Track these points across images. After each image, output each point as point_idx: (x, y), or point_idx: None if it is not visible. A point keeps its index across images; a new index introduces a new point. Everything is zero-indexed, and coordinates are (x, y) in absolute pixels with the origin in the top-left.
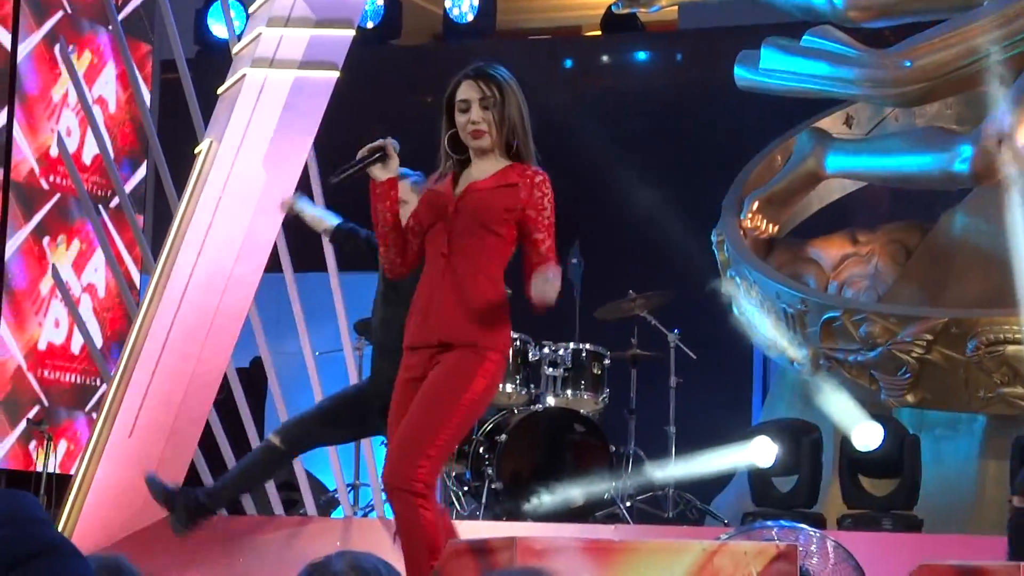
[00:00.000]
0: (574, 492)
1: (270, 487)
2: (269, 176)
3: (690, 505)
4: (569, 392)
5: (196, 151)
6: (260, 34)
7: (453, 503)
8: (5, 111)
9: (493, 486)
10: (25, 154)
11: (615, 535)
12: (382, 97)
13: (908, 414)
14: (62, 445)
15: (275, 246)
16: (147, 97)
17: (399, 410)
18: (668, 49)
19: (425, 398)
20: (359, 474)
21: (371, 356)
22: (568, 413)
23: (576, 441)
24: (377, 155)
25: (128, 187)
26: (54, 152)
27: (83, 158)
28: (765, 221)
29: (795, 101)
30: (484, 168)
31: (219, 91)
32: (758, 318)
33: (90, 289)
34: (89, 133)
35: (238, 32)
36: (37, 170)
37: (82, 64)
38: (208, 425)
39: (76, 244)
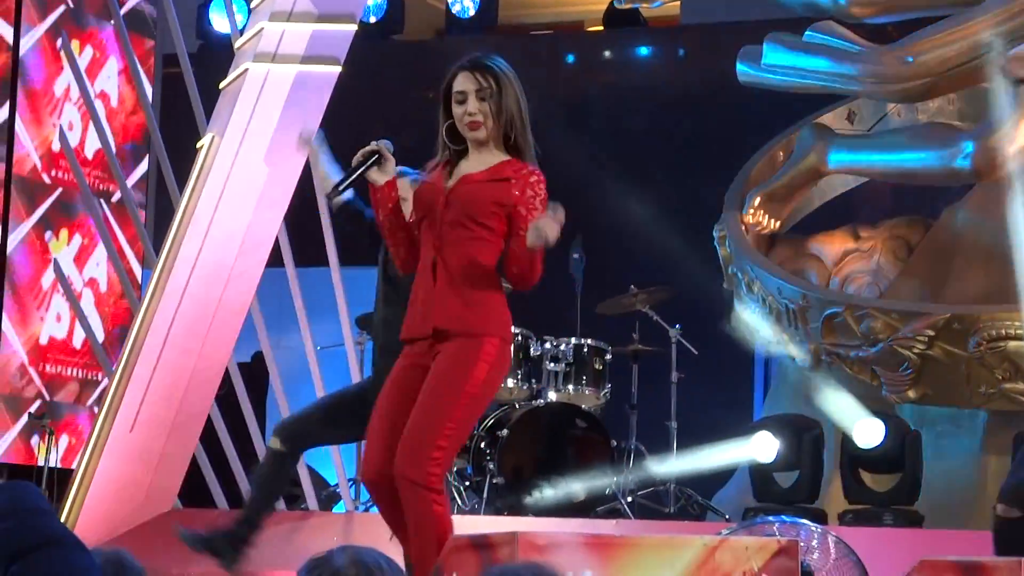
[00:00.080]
0: (575, 487)
1: None
2: (271, 171)
3: (691, 500)
4: (571, 387)
5: (198, 146)
6: (262, 29)
7: (454, 498)
8: (7, 105)
9: (494, 481)
10: (27, 148)
11: (616, 530)
12: (384, 92)
13: (909, 410)
14: (63, 439)
15: (277, 241)
16: (149, 92)
17: (392, 392)
18: (670, 44)
19: (429, 391)
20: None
21: (372, 355)
22: (569, 408)
23: (577, 436)
24: (372, 159)
25: (130, 182)
26: (56, 146)
27: (85, 152)
28: (767, 217)
29: (797, 97)
30: (480, 160)
31: (221, 86)
32: (759, 314)
33: (92, 283)
34: (91, 127)
35: (240, 27)
36: (39, 164)
37: (84, 59)
38: (209, 419)
39: (78, 238)
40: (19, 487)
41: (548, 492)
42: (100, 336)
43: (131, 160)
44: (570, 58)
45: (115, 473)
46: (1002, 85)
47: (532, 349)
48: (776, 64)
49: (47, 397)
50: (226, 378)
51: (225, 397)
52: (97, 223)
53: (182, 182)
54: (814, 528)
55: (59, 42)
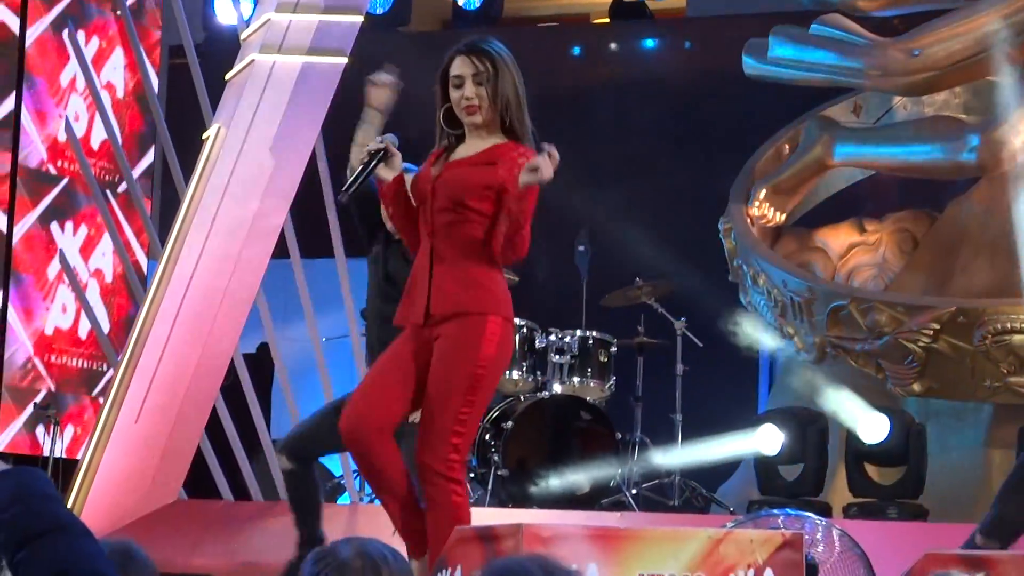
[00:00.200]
0: (580, 479)
1: (277, 474)
2: (277, 162)
3: (696, 493)
4: (575, 379)
5: (204, 137)
6: (268, 20)
7: None
8: (13, 97)
9: (499, 473)
10: (33, 139)
11: (621, 522)
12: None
13: (914, 403)
14: (69, 430)
15: (282, 232)
16: (155, 83)
17: (388, 358)
18: (676, 37)
19: (437, 378)
20: None
21: (368, 354)
22: (574, 400)
23: (582, 428)
24: (379, 156)
25: (136, 173)
26: (62, 137)
27: (91, 143)
28: (772, 209)
29: (803, 90)
30: (476, 145)
31: (227, 77)
32: (764, 306)
33: (97, 274)
34: (97, 118)
35: (247, 18)
36: (45, 156)
37: (90, 50)
38: (214, 410)
39: (84, 229)
40: (26, 473)
41: (552, 484)
42: (105, 327)
43: (137, 151)
44: (576, 50)
45: (120, 464)
46: (1008, 78)
47: (537, 341)
48: (782, 57)
49: (52, 388)
50: (231, 369)
51: (230, 388)
52: (103, 214)
53: (188, 173)
54: (819, 521)
55: (65, 33)
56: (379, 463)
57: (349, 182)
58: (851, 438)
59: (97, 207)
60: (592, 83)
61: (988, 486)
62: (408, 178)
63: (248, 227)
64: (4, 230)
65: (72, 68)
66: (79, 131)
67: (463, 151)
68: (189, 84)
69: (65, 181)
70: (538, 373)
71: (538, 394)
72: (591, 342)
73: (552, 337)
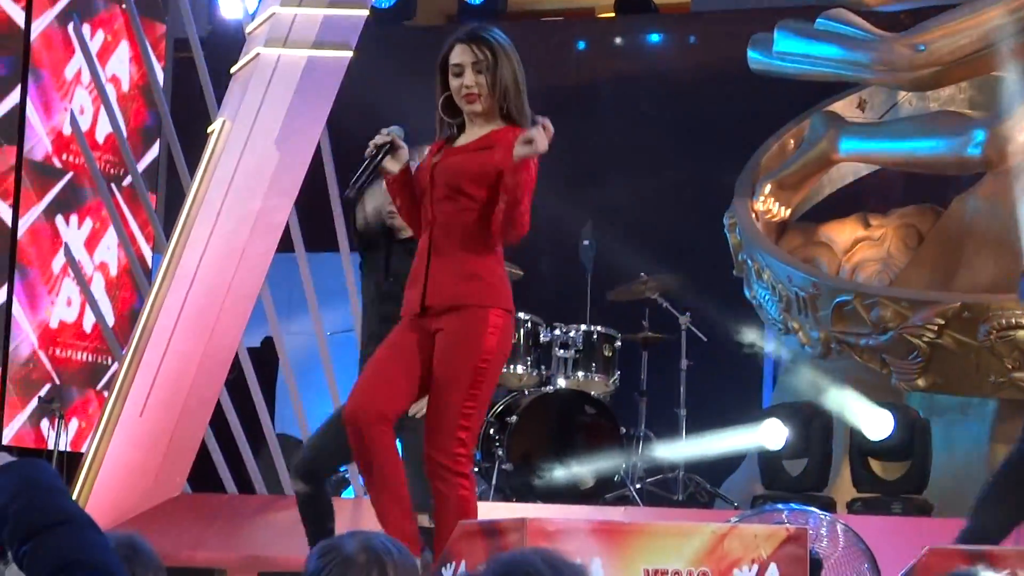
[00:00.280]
0: (584, 474)
1: (281, 466)
2: (282, 156)
3: (700, 488)
4: (580, 374)
5: (209, 130)
6: (274, 14)
7: None
8: (19, 90)
9: (503, 467)
10: (39, 132)
11: (625, 517)
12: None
13: (919, 398)
14: (73, 423)
15: (287, 225)
16: (160, 76)
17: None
18: (681, 31)
19: (441, 372)
20: None
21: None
22: (579, 395)
23: (587, 423)
24: (385, 150)
25: (141, 166)
26: (67, 131)
27: (96, 137)
28: (777, 204)
29: (808, 84)
30: (475, 133)
31: (232, 70)
32: (769, 301)
33: (102, 267)
34: (102, 111)
35: (252, 12)
36: (50, 149)
37: (96, 43)
38: (219, 404)
39: (89, 222)
40: (32, 465)
41: (557, 478)
42: (110, 320)
43: (142, 144)
44: (581, 44)
45: (124, 457)
46: (1013, 74)
47: (542, 336)
48: (787, 51)
49: (57, 381)
50: (236, 363)
51: (235, 382)
52: (108, 208)
53: (193, 167)
54: (823, 516)
55: (70, 26)
56: (378, 457)
57: (356, 176)
58: (855, 433)
59: (102, 200)
60: (597, 77)
61: None
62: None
63: (253, 221)
64: (9, 223)
65: (77, 61)
66: (84, 124)
67: (463, 140)
68: (194, 78)
69: (70, 175)
70: (542, 367)
71: (542, 388)
72: (596, 337)
73: (557, 332)
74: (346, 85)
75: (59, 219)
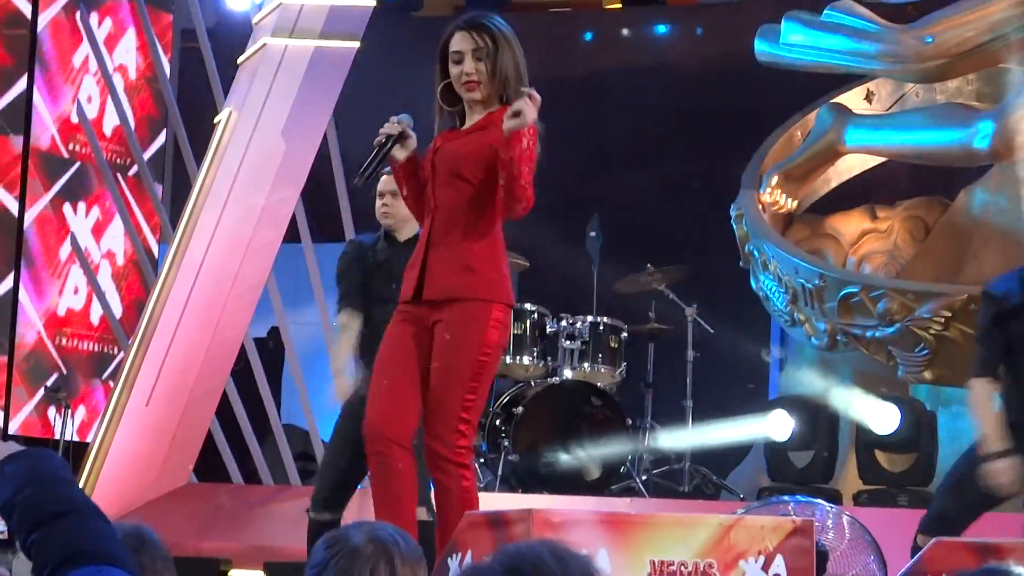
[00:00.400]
0: (590, 465)
1: (287, 458)
2: (288, 146)
3: (706, 479)
4: (586, 365)
5: (216, 120)
6: (281, 4)
7: None
8: (26, 79)
9: (509, 458)
10: (45, 121)
11: (631, 508)
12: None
13: (925, 391)
14: (80, 413)
15: (294, 216)
16: (167, 65)
17: (394, 365)
18: (688, 22)
19: (441, 365)
20: None
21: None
22: (585, 386)
23: (593, 414)
24: (394, 139)
25: (147, 155)
26: (74, 119)
27: (103, 126)
28: (784, 196)
29: (815, 76)
30: (475, 120)
31: (239, 61)
32: (776, 293)
33: (109, 256)
34: (109, 101)
35: (259, 2)
36: (58, 138)
37: (102, 31)
38: (225, 394)
39: (96, 211)
40: (40, 455)
41: (563, 467)
42: (117, 310)
43: (148, 134)
44: (588, 36)
45: (131, 447)
46: (1020, 66)
47: (548, 327)
48: (794, 43)
49: (63, 370)
50: (242, 353)
51: (241, 372)
52: (114, 197)
53: (199, 157)
54: (829, 508)
55: (78, 15)
56: (394, 485)
57: (365, 165)
58: (861, 425)
59: (108, 190)
60: (604, 69)
61: None
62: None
63: (259, 211)
64: (16, 212)
65: (84, 50)
66: (91, 113)
67: (465, 126)
68: (201, 67)
69: (77, 164)
70: (549, 359)
71: (549, 380)
72: (602, 328)
73: (563, 323)
74: (354, 76)
75: (66, 207)
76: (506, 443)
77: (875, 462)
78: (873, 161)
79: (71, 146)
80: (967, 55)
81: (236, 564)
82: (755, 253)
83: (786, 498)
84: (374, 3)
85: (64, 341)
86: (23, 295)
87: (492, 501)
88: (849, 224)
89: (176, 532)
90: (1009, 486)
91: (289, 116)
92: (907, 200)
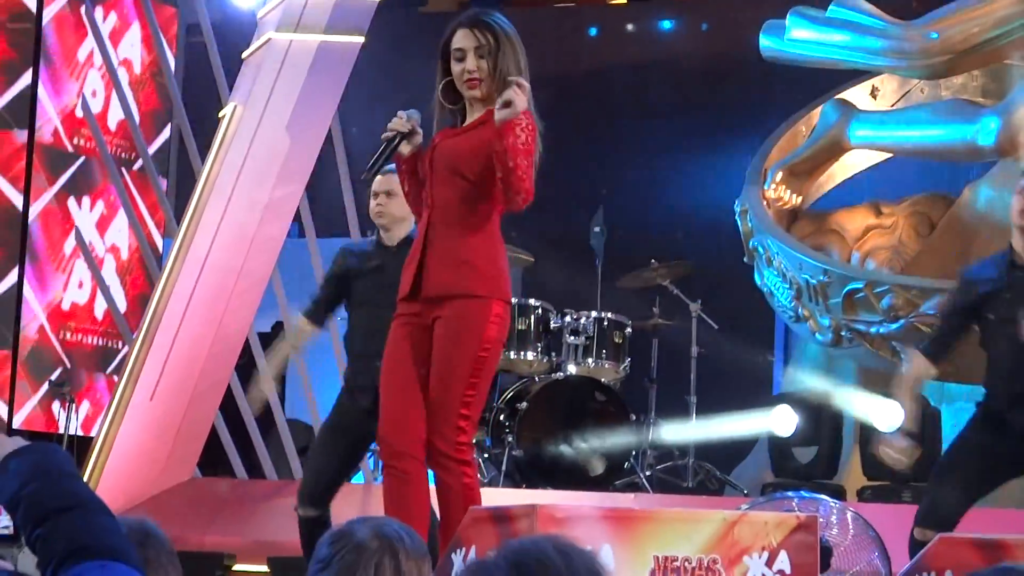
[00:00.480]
0: (594, 460)
1: (291, 452)
2: (293, 141)
3: (710, 475)
4: (590, 361)
5: (220, 115)
6: None
7: None
8: (30, 73)
9: (513, 453)
10: (50, 115)
11: (635, 504)
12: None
13: (930, 387)
14: (84, 407)
15: (298, 211)
16: (171, 60)
17: (398, 352)
18: (694, 18)
19: (440, 362)
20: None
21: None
22: (589, 382)
23: (597, 410)
24: (401, 135)
25: (151, 150)
26: (79, 113)
27: (108, 120)
28: (789, 192)
29: (820, 72)
30: (475, 118)
31: (244, 55)
32: (780, 289)
33: (113, 250)
34: (114, 95)
35: None
36: (62, 131)
37: (107, 25)
38: (229, 389)
39: (100, 205)
40: (45, 449)
41: (567, 462)
42: (121, 304)
43: (153, 128)
44: (593, 31)
45: (135, 441)
46: None
47: (552, 322)
48: (799, 38)
49: (68, 365)
50: (246, 348)
51: (245, 367)
52: (118, 192)
53: (204, 151)
54: (833, 504)
55: (82, 9)
56: (407, 496)
57: (372, 160)
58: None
59: (112, 184)
60: (609, 64)
61: None
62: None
63: (264, 206)
64: (21, 206)
65: (89, 44)
66: (96, 107)
67: (465, 124)
68: (205, 62)
69: (82, 159)
70: (553, 354)
71: (553, 375)
72: (606, 324)
73: (567, 318)
74: (359, 71)
75: (71, 202)
76: (510, 438)
77: (879, 458)
78: (878, 157)
79: (75, 140)
80: (972, 51)
81: (240, 559)
82: (759, 249)
83: (790, 494)
84: None
85: (68, 335)
86: (27, 289)
87: (496, 496)
88: (854, 220)
89: (180, 526)
90: (894, 464)
91: (294, 111)
92: (912, 196)
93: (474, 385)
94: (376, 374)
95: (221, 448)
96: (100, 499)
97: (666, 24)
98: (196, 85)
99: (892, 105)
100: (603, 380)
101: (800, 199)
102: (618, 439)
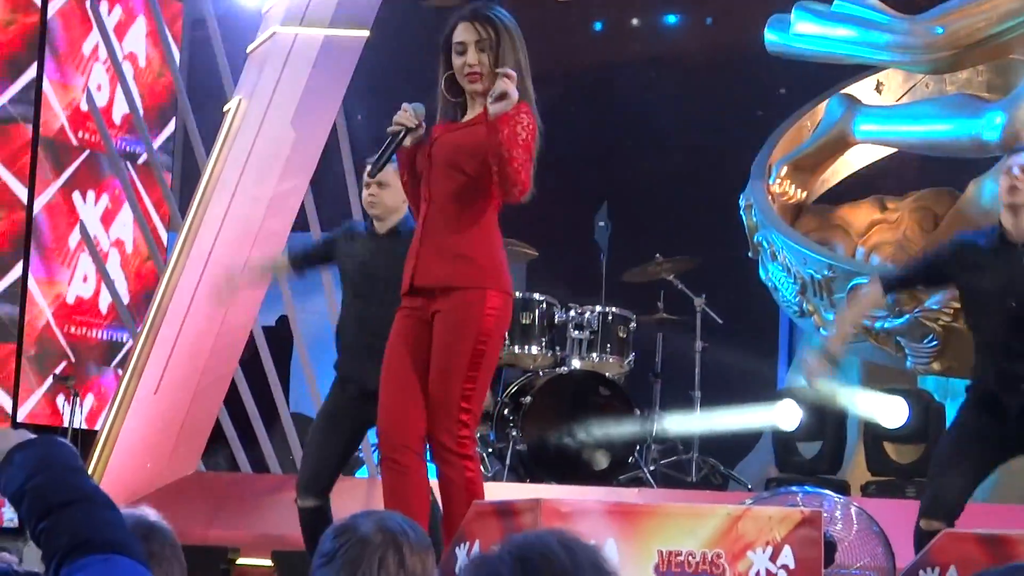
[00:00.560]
0: (598, 455)
1: (295, 446)
2: (297, 135)
3: (714, 470)
4: (595, 355)
5: (225, 109)
6: None
7: None
8: (35, 67)
9: (517, 448)
10: (55, 109)
11: (639, 498)
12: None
13: (934, 382)
14: (88, 401)
15: (302, 205)
16: (176, 54)
17: (398, 346)
18: (698, 12)
19: (440, 355)
20: None
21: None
22: (593, 376)
23: (601, 404)
24: (407, 129)
25: (156, 143)
26: (84, 107)
27: (112, 113)
28: (794, 187)
29: (825, 66)
30: (476, 112)
31: (248, 49)
32: (785, 283)
33: (118, 244)
34: (119, 89)
35: None
36: (67, 125)
37: (112, 19)
38: (233, 383)
39: (105, 198)
40: (51, 443)
41: (571, 457)
42: (125, 297)
43: (158, 122)
44: (597, 26)
45: (139, 435)
46: None
47: (557, 317)
48: (805, 33)
49: (72, 358)
50: (251, 341)
51: (249, 361)
52: (123, 186)
53: (208, 145)
54: (837, 499)
55: (88, 2)
56: (406, 489)
57: (378, 155)
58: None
59: (117, 178)
60: (613, 59)
61: (1007, 466)
62: None
63: (268, 200)
64: (25, 199)
65: (94, 38)
66: (101, 101)
67: (466, 118)
68: (210, 56)
69: (87, 153)
70: (557, 348)
71: (557, 369)
72: (611, 318)
73: (572, 312)
74: (363, 64)
75: (76, 195)
76: (514, 433)
77: (883, 453)
78: (883, 152)
79: (81, 134)
80: (977, 46)
81: (244, 552)
82: (764, 243)
83: (794, 489)
84: None
85: (73, 329)
86: (32, 283)
87: (500, 491)
88: (858, 215)
89: (184, 520)
90: (808, 376)
91: (298, 105)
92: (917, 191)
93: (473, 378)
94: (362, 364)
95: (225, 442)
96: (104, 493)
97: (671, 19)
98: (201, 79)
99: (897, 100)
100: (607, 374)
101: (805, 194)
102: (622, 433)
